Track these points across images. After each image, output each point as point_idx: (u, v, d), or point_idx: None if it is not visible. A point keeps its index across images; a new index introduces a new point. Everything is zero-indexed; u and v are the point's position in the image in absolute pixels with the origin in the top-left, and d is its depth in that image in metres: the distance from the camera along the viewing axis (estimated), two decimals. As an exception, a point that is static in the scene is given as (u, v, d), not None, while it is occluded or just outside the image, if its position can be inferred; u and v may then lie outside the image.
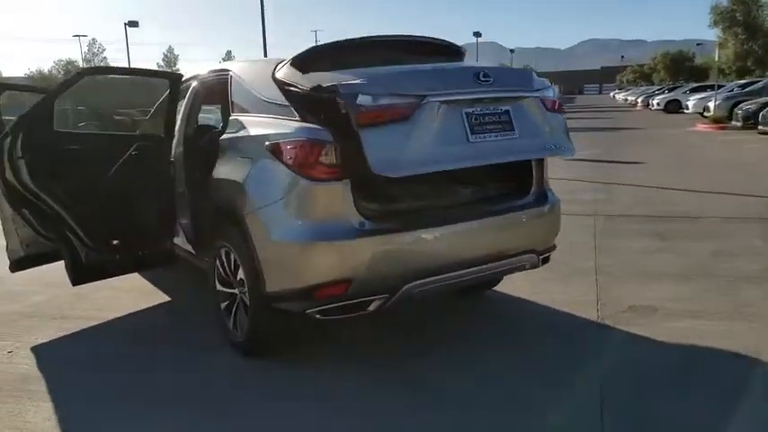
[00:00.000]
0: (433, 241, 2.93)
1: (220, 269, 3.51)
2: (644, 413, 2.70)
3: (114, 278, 4.16)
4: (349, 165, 2.76)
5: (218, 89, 4.45)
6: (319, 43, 3.39)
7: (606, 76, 79.58)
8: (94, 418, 2.88)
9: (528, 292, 4.23)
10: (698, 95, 25.69)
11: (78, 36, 62.32)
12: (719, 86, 23.09)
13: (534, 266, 3.43)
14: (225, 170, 3.30)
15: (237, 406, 2.89)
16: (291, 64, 3.17)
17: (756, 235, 5.72)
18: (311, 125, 2.82)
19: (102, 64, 67.18)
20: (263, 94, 3.22)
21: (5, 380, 3.27)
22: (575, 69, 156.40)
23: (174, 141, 4.05)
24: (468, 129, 2.93)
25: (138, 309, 4.36)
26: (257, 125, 3.14)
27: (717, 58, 21.20)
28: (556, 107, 3.31)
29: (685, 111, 25.97)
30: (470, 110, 2.96)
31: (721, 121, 19.41)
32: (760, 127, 15.26)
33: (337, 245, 2.76)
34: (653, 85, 50.88)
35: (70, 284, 3.92)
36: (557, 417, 2.68)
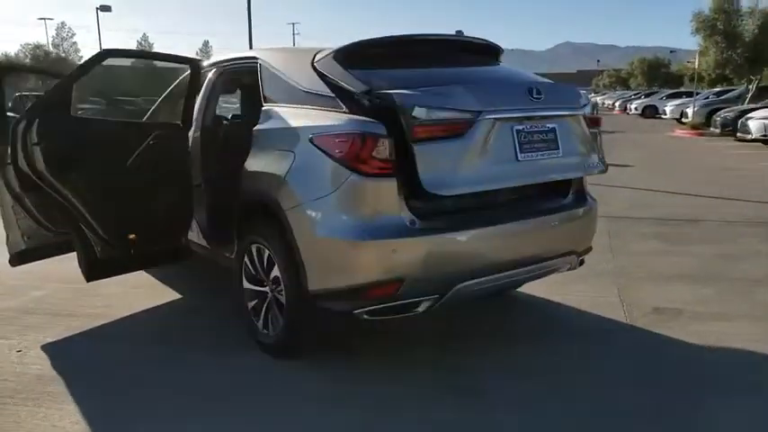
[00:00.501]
0: (483, 241, 2.85)
1: (249, 266, 3.37)
2: (702, 413, 2.67)
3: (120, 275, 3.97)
4: (402, 163, 2.67)
5: (241, 78, 4.30)
6: (365, 38, 3.28)
7: (582, 80, 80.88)
8: (124, 419, 2.73)
9: (548, 292, 4.18)
10: (675, 101, 26.24)
11: (44, 19, 60.24)
12: (696, 93, 23.58)
13: (573, 268, 3.39)
14: (260, 163, 3.17)
15: (276, 408, 2.78)
16: (334, 57, 3.06)
17: (757, 239, 5.79)
18: (364, 118, 2.71)
19: (71, 49, 65.52)
20: (302, 84, 3.09)
21: (21, 381, 3.09)
22: (552, 72, 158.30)
23: (191, 132, 3.90)
24: (517, 147, 2.91)
25: (149, 307, 4.18)
26: (299, 116, 3.01)
27: (697, 65, 21.63)
28: (597, 123, 3.33)
29: (662, 116, 26.51)
30: (521, 127, 2.93)
31: (699, 127, 19.80)
32: (738, 134, 15.58)
33: (391, 243, 2.66)
34: (629, 89, 51.74)
35: (67, 279, 3.72)
36: (615, 419, 2.63)
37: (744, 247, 5.52)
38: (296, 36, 66.42)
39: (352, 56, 3.07)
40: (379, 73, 2.98)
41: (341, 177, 2.70)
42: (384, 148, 2.65)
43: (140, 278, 4.57)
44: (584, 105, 3.24)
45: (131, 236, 3.69)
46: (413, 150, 2.65)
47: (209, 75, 4.03)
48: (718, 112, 18.48)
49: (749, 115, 15.41)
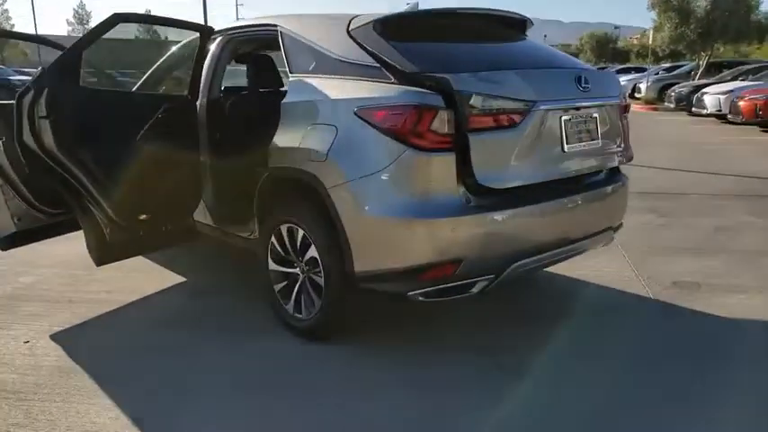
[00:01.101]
0: (536, 218, 2.78)
1: (277, 247, 3.21)
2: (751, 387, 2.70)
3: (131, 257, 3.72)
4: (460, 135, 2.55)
5: (254, 47, 4.07)
6: (403, 9, 3.13)
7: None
8: (165, 410, 2.57)
9: (565, 269, 4.15)
10: (626, 77, 26.83)
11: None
12: (646, 69, 24.18)
13: (606, 244, 3.37)
14: (293, 138, 2.98)
15: (317, 392, 2.67)
16: (373, 27, 2.90)
17: (743, 211, 5.96)
18: (419, 89, 2.57)
19: (3, 14, 61.61)
20: (339, 53, 2.91)
21: (40, 375, 2.86)
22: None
23: (198, 104, 3.66)
24: (564, 138, 2.87)
25: (154, 291, 3.95)
26: (337, 88, 2.83)
27: (651, 41, 22.14)
28: (627, 110, 3.35)
29: (614, 91, 26.99)
30: (567, 117, 2.88)
31: (652, 102, 20.34)
32: (693, 109, 16.06)
33: (451, 222, 2.55)
34: (578, 65, 52.40)
35: (56, 264, 3.46)
36: (672, 398, 2.63)
37: (733, 219, 5.67)
38: (239, 6, 64.21)
39: (391, 27, 2.92)
40: (421, 48, 2.85)
41: (395, 152, 2.56)
42: (443, 122, 2.52)
43: (137, 261, 4.28)
44: (622, 93, 3.25)
45: (143, 216, 3.45)
46: (467, 141, 2.56)
47: (217, 44, 3.78)
48: (672, 88, 19.01)
49: (704, 90, 15.87)
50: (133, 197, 3.36)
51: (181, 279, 4.16)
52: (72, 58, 3.03)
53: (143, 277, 4.15)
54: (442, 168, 2.56)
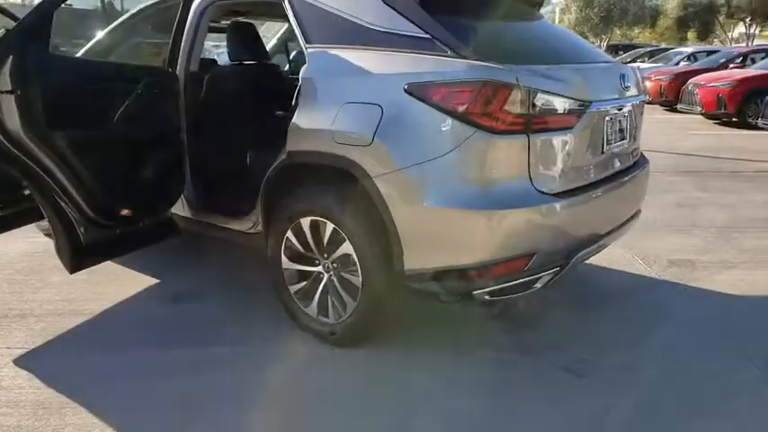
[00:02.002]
0: (595, 207, 2.59)
1: (295, 243, 2.81)
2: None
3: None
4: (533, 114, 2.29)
5: (250, 12, 3.59)
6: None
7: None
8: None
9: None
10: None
11: None
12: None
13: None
14: (321, 119, 2.59)
15: (372, 401, 2.36)
16: None
17: (692, 186, 6.21)
18: (489, 63, 2.27)
19: None
20: (374, 22, 2.55)
21: (22, 414, 2.32)
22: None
23: (181, 78, 3.18)
24: (605, 138, 2.70)
25: (123, 298, 3.41)
26: (381, 61, 2.47)
27: (557, 21, 22.94)
28: (643, 107, 3.25)
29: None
30: (608, 118, 2.71)
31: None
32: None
33: (526, 212, 2.30)
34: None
35: None
36: (700, 374, 2.56)
37: (687, 194, 5.87)
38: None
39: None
40: (469, 27, 2.57)
41: (460, 135, 2.26)
42: (518, 101, 2.25)
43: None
44: (644, 90, 3.16)
45: (125, 211, 2.92)
46: (528, 143, 2.32)
47: (198, 7, 3.26)
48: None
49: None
50: (114, 189, 2.83)
51: (150, 281, 3.63)
52: (40, 19, 2.45)
53: (104, 280, 3.58)
54: (515, 153, 2.29)
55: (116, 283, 3.57)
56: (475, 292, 2.37)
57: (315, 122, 2.62)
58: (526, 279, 2.39)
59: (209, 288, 3.49)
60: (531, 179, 2.32)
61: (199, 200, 3.38)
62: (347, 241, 2.59)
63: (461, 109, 2.25)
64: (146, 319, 3.16)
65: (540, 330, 2.99)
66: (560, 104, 2.37)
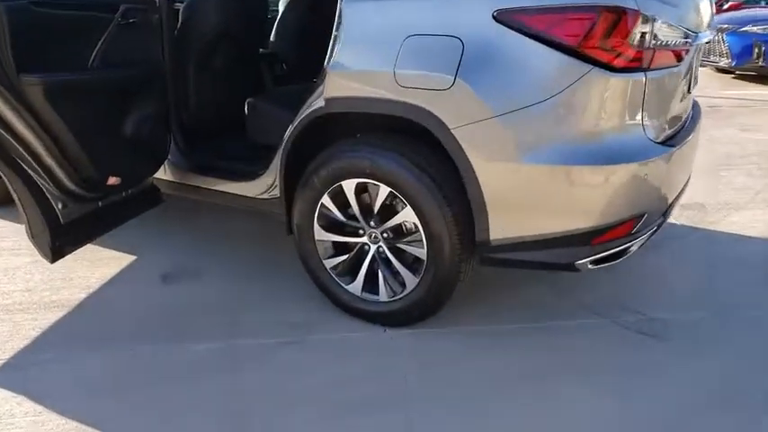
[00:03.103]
0: (684, 156, 2.28)
1: (334, 211, 2.35)
2: None
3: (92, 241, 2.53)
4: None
5: None
6: None
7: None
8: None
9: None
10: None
11: None
12: None
13: None
14: (374, 56, 2.10)
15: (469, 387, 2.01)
16: None
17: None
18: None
19: None
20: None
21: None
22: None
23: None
24: (692, 78, 2.39)
25: (99, 282, 2.81)
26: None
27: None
28: None
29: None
30: (697, 54, 2.40)
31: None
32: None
33: (647, 166, 1.96)
34: None
35: None
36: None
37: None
38: None
39: None
40: None
41: (571, 74, 1.86)
42: (641, 30, 1.86)
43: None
44: None
45: (113, 179, 2.32)
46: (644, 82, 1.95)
47: None
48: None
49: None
50: (99, 152, 2.21)
51: (128, 258, 3.02)
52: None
53: (70, 263, 2.93)
54: (632, 95, 1.93)
55: (85, 263, 2.94)
56: (579, 262, 2.04)
57: (367, 62, 2.12)
58: (629, 242, 2.08)
59: (204, 265, 2.95)
60: (644, 127, 1.98)
61: (188, 160, 2.80)
62: (408, 207, 2.16)
63: (573, 41, 1.84)
64: (134, 306, 2.60)
65: (594, 290, 2.72)
66: (675, 36, 2.02)
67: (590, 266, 2.06)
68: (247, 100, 2.80)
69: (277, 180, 2.53)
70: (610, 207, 1.95)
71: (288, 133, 2.41)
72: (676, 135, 2.26)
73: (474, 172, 1.99)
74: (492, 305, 2.56)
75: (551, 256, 2.05)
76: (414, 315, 2.34)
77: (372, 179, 2.20)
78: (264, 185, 2.59)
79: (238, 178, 2.68)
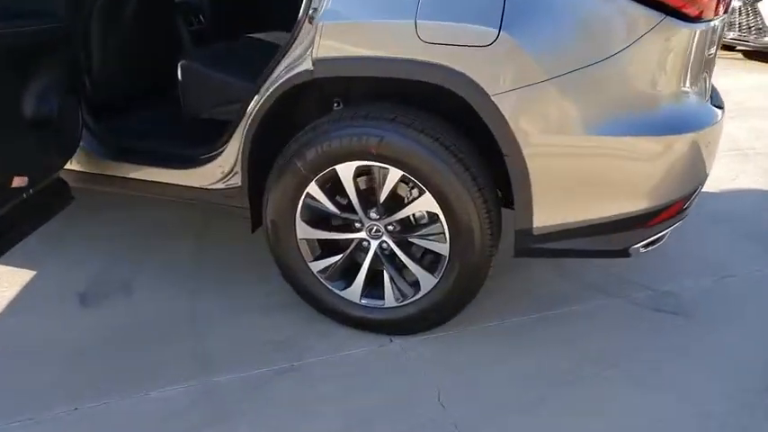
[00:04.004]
0: None
1: (325, 202, 1.88)
2: None
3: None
4: None
5: None
6: None
7: None
8: None
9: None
10: None
11: None
12: None
13: None
14: (391, 6, 1.63)
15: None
16: None
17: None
18: None
19: None
20: None
21: None
22: None
23: None
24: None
25: (-5, 308, 2.12)
26: None
27: None
28: None
29: None
30: None
31: None
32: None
33: (710, 133, 1.69)
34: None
35: None
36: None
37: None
38: None
39: None
40: None
41: (641, 23, 1.53)
42: None
43: None
44: None
45: (17, 179, 1.67)
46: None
47: None
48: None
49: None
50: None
51: (26, 275, 2.33)
52: None
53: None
54: (702, 50, 1.64)
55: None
56: (633, 247, 1.76)
57: (377, 9, 1.64)
58: (679, 220, 1.84)
59: (131, 275, 2.34)
60: (706, 87, 1.72)
61: (102, 143, 2.16)
62: (427, 194, 1.75)
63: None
64: (49, 343, 1.97)
65: (598, 269, 2.50)
66: None
67: (641, 250, 1.79)
68: (180, 62, 2.18)
69: (237, 166, 1.99)
70: (674, 183, 1.68)
71: (253, 107, 1.88)
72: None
73: (519, 149, 1.62)
74: (499, 296, 2.23)
75: (603, 243, 1.75)
76: (430, 320, 1.96)
77: (380, 161, 1.76)
78: (217, 173, 2.04)
79: (176, 164, 2.11)
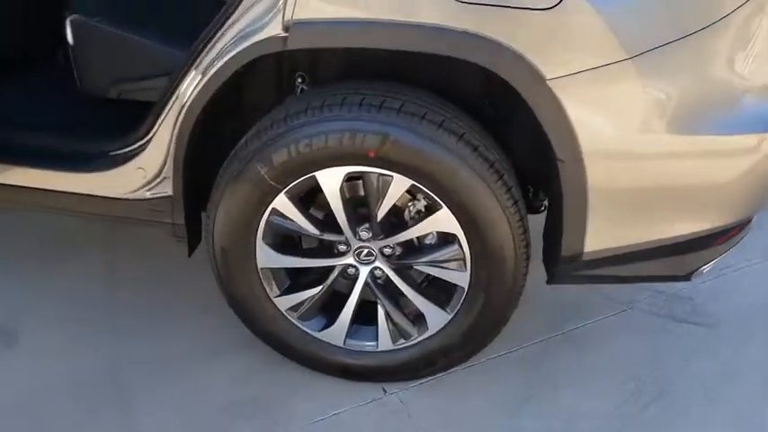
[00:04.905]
0: None
1: (296, 220, 1.37)
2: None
3: None
4: None
5: None
6: None
7: None
8: None
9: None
10: None
11: None
12: None
13: None
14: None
15: None
16: None
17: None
18: None
19: None
20: None
21: None
22: None
23: None
24: None
25: None
26: None
27: None
28: None
29: None
30: None
31: None
32: None
33: None
34: None
35: None
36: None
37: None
38: None
39: None
40: None
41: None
42: None
43: None
44: None
45: None
46: None
47: None
48: None
49: None
50: None
51: None
52: None
53: None
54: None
55: None
56: (702, 269, 1.40)
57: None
58: (741, 238, 1.50)
59: (13, 318, 1.71)
60: None
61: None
62: (444, 210, 1.29)
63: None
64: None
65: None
66: None
67: (704, 272, 1.44)
68: (70, 17, 1.53)
69: (167, 168, 1.42)
70: (762, 192, 1.32)
71: (191, 86, 1.31)
72: None
73: (579, 151, 1.19)
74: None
75: (666, 267, 1.38)
76: (436, 365, 1.52)
77: (381, 166, 1.27)
78: (137, 178, 1.46)
79: (73, 165, 1.50)
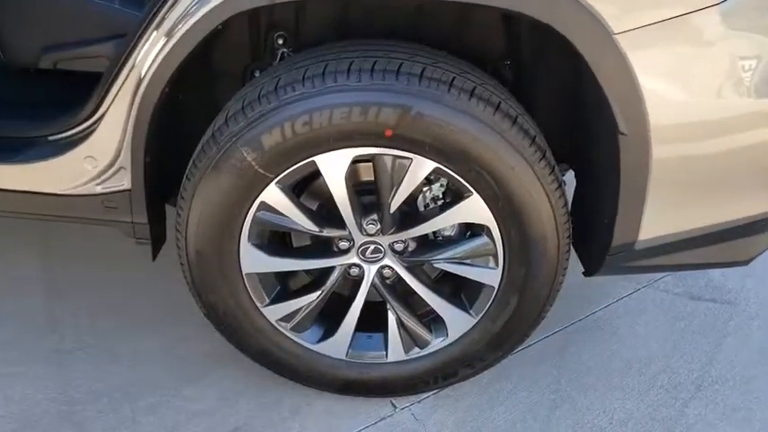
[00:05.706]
0: None
1: (291, 216, 1.11)
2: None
3: None
4: None
5: None
6: None
7: None
8: None
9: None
10: None
11: None
12: None
13: None
14: None
15: None
16: None
17: None
18: None
19: None
20: None
21: None
22: None
23: None
24: None
25: None
26: None
27: None
28: None
29: None
30: None
31: None
32: None
33: None
34: None
35: None
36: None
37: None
38: None
39: None
40: None
41: None
42: None
43: None
44: None
45: None
46: None
47: None
48: None
49: None
50: None
51: None
52: None
53: None
54: None
55: None
56: (755, 254, 1.23)
57: None
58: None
59: None
60: None
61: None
62: (475, 196, 1.06)
63: None
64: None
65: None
66: None
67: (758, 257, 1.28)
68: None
69: (123, 156, 1.13)
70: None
71: (151, 52, 1.02)
72: None
73: (646, 123, 0.97)
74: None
75: (727, 253, 1.20)
76: (457, 376, 1.31)
77: (399, 147, 1.02)
78: (86, 169, 1.16)
79: (2, 155, 1.19)
